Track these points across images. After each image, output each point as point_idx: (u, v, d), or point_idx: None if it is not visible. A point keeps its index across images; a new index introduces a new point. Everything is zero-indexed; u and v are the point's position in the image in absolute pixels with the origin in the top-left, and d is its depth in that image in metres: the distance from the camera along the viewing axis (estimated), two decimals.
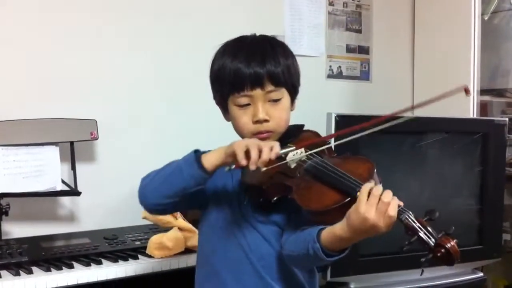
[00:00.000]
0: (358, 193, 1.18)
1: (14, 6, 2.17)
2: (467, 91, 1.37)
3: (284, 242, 1.36)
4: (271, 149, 1.24)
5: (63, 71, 2.26)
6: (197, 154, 1.33)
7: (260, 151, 1.23)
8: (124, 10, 2.40)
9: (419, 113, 3.16)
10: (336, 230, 1.20)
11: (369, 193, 1.15)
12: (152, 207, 1.42)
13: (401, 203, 1.16)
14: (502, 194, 2.69)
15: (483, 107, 3.15)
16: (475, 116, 2.92)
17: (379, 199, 1.13)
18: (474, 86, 2.92)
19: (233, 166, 1.26)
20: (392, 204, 1.13)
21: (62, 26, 2.26)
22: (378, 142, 2.33)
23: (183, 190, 1.34)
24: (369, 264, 2.29)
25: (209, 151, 1.35)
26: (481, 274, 2.66)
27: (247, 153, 1.23)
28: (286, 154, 1.31)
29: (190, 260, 1.96)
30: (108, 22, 2.36)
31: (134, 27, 2.42)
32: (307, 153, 1.35)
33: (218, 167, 1.32)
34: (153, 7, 2.47)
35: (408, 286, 2.32)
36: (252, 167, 1.23)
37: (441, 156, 2.53)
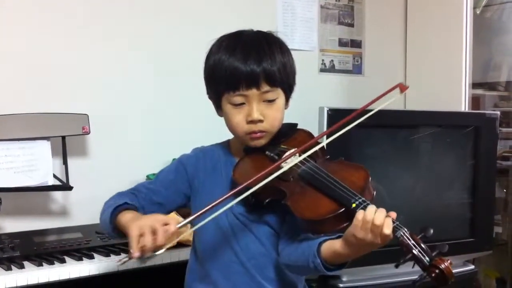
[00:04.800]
0: (353, 204, 1.17)
1: (8, 3, 2.16)
2: (402, 88, 1.37)
3: (281, 251, 1.36)
4: (165, 229, 1.20)
5: (55, 66, 2.25)
6: (114, 212, 1.36)
7: (154, 233, 1.19)
8: (114, 6, 2.39)
9: (411, 107, 3.18)
10: (336, 247, 1.21)
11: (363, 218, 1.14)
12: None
13: (394, 215, 1.16)
14: (494, 187, 2.70)
15: (475, 101, 3.16)
16: (467, 110, 2.93)
17: (372, 222, 1.13)
18: (466, 80, 2.93)
19: (123, 260, 1.22)
20: (386, 223, 1.13)
21: (54, 22, 2.25)
22: (370, 136, 2.34)
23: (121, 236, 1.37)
24: (360, 257, 2.31)
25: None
26: (472, 266, 2.67)
27: (141, 237, 1.19)
28: (184, 225, 1.26)
29: (182, 254, 1.96)
30: (100, 18, 2.35)
31: (126, 23, 2.41)
32: (301, 157, 1.32)
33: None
34: (145, 3, 2.46)
35: (399, 279, 2.33)
36: (147, 254, 1.20)
37: (433, 150, 2.54)
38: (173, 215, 2.05)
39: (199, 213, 1.26)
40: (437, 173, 2.55)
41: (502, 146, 3.00)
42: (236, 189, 1.28)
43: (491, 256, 2.83)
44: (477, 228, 2.60)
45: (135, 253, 1.19)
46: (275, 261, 1.41)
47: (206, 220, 1.26)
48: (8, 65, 2.16)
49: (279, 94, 1.40)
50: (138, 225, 1.22)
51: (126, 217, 1.32)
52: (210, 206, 1.26)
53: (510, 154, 2.94)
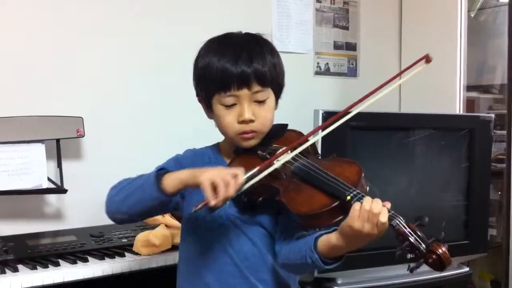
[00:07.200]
0: (347, 197, 1.18)
1: (6, 5, 2.16)
2: (427, 59, 1.40)
3: (278, 252, 1.36)
4: (236, 178, 1.21)
5: (49, 68, 2.24)
6: (159, 174, 1.32)
7: (226, 185, 1.20)
8: (110, 8, 2.38)
9: (406, 109, 3.18)
10: (332, 240, 1.22)
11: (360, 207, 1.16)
12: (115, 221, 1.45)
13: (389, 205, 1.17)
14: (488, 190, 2.71)
15: (470, 104, 3.17)
16: (461, 113, 2.93)
17: (370, 211, 1.14)
18: (460, 82, 2.94)
19: (199, 207, 1.22)
20: (383, 212, 1.14)
21: (48, 24, 2.24)
22: (365, 139, 2.34)
23: (148, 210, 1.36)
24: (356, 260, 2.31)
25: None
26: (467, 268, 2.68)
27: (214, 188, 1.20)
28: (250, 178, 1.26)
29: (177, 257, 1.94)
30: (95, 21, 2.35)
31: (120, 25, 2.40)
32: (292, 154, 1.33)
33: (180, 190, 1.31)
34: (140, 6, 2.46)
35: (394, 281, 2.34)
36: (220, 204, 1.21)
37: (428, 152, 2.54)
38: (168, 219, 2.05)
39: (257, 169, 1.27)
40: (432, 176, 2.55)
41: (497, 148, 3.01)
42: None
43: (485, 258, 2.84)
44: (472, 230, 2.61)
45: (212, 201, 1.20)
46: (268, 262, 1.41)
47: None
48: (1, 69, 2.16)
49: (269, 94, 1.41)
50: (209, 176, 1.21)
51: (182, 173, 1.30)
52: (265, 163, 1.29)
53: (505, 156, 2.94)
